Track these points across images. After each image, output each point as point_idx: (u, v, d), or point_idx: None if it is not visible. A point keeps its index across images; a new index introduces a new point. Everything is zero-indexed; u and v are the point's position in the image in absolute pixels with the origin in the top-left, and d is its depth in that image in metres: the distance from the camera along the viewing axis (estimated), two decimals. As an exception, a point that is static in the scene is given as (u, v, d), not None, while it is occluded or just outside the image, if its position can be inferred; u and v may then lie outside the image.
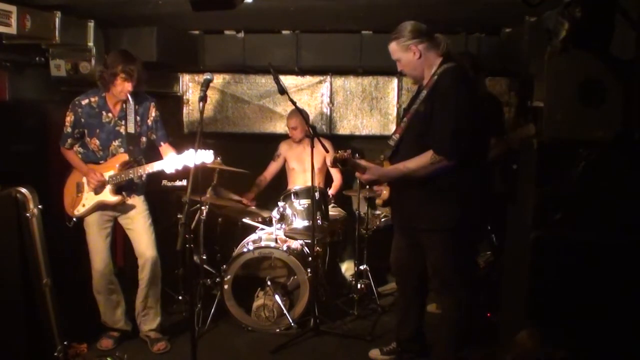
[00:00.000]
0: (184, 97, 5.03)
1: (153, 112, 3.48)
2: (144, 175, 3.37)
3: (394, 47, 2.83)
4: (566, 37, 2.35)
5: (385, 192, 3.02)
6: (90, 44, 3.88)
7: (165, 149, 3.52)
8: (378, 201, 3.08)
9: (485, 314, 3.61)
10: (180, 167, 3.24)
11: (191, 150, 3.09)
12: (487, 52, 4.21)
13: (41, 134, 3.99)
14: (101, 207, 3.40)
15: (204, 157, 3.19)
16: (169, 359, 3.38)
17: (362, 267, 4.25)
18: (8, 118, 3.70)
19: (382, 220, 4.43)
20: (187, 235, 2.52)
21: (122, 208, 3.46)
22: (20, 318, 2.81)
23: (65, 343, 2.99)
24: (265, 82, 4.89)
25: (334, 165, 2.92)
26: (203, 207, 3.85)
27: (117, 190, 3.39)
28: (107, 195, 3.38)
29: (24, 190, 2.82)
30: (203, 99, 2.76)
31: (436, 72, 2.78)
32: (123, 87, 3.26)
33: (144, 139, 3.48)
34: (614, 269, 2.38)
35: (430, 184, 2.74)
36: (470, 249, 3.04)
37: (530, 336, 1.89)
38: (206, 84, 2.81)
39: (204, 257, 4.00)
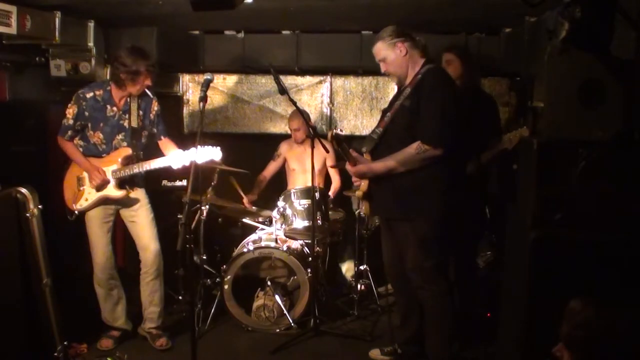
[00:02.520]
0: (184, 97, 5.04)
1: (155, 107, 3.50)
2: (144, 170, 3.37)
3: (379, 46, 2.93)
4: (566, 37, 2.35)
5: (363, 184, 3.03)
6: (90, 44, 3.89)
7: (166, 143, 3.54)
8: (358, 193, 3.09)
9: (485, 314, 3.61)
10: (187, 163, 3.26)
11: (198, 148, 3.10)
12: (487, 52, 4.21)
13: (41, 134, 4.00)
14: (104, 201, 3.40)
15: (212, 154, 3.25)
16: (169, 359, 3.39)
17: (362, 268, 4.25)
18: (8, 118, 3.70)
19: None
20: (187, 236, 2.52)
21: (126, 201, 3.45)
22: (20, 318, 2.80)
23: (65, 343, 2.99)
24: (265, 82, 4.89)
25: (331, 139, 2.94)
26: (203, 207, 3.85)
27: (121, 184, 3.39)
28: (112, 190, 3.38)
29: (24, 190, 2.82)
30: (203, 99, 2.77)
31: (420, 72, 2.87)
32: (143, 84, 3.30)
33: (145, 133, 3.49)
34: (614, 269, 2.38)
35: (410, 177, 2.81)
36: (446, 244, 3.02)
37: (585, 305, 1.86)
38: (206, 84, 2.82)
39: (204, 257, 4.01)
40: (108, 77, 3.42)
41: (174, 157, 3.33)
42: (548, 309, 2.43)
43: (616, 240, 2.38)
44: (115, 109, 3.38)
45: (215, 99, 4.92)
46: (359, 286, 4.15)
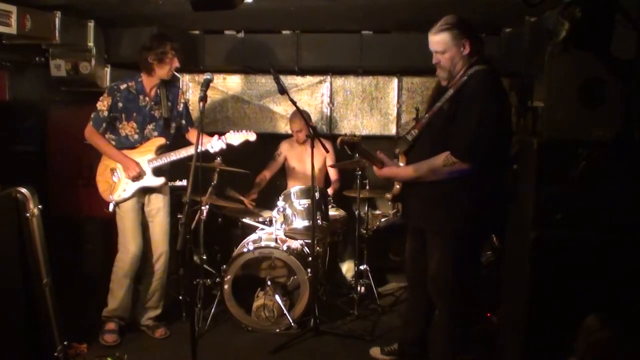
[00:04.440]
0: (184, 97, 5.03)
1: (182, 99, 3.63)
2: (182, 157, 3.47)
3: (446, 37, 2.69)
4: (566, 37, 2.35)
5: (397, 186, 2.95)
6: (90, 44, 3.90)
7: (195, 133, 3.62)
8: (388, 195, 3.03)
9: (485, 314, 3.61)
10: (224, 146, 3.47)
11: (232, 132, 3.48)
12: (487, 52, 4.21)
13: (41, 134, 4.00)
14: (142, 190, 3.49)
15: (247, 135, 3.50)
16: (170, 358, 3.38)
17: (362, 267, 4.25)
18: (8, 118, 3.71)
19: (382, 220, 4.43)
20: (187, 236, 2.52)
21: (155, 195, 3.56)
22: (20, 318, 2.80)
23: (65, 343, 2.99)
24: (265, 82, 4.88)
25: (340, 146, 2.81)
26: (203, 207, 3.85)
27: (158, 172, 3.49)
28: (150, 178, 3.47)
29: (24, 190, 2.82)
30: (203, 99, 2.79)
31: (466, 73, 2.69)
32: (172, 65, 3.39)
33: (173, 124, 3.58)
34: (614, 269, 2.38)
35: (441, 185, 2.69)
36: (476, 259, 2.95)
37: (603, 324, 1.81)
38: (206, 84, 2.82)
39: (204, 257, 4.00)
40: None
41: (210, 141, 3.48)
42: (548, 309, 2.44)
43: (616, 240, 2.38)
44: (147, 99, 3.46)
45: (215, 99, 4.92)
46: (359, 286, 4.15)
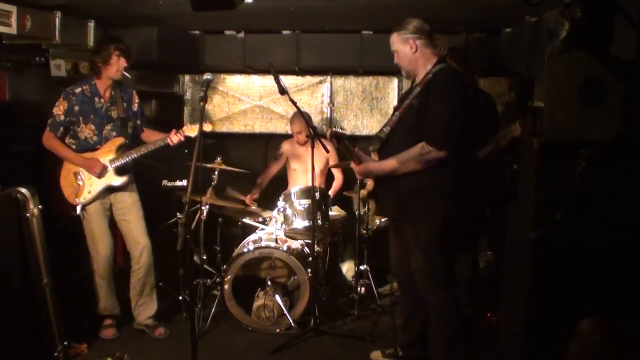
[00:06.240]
0: (185, 97, 5.04)
1: (136, 99, 3.66)
2: (143, 153, 3.49)
3: (394, 37, 2.90)
4: (566, 37, 2.35)
5: (370, 183, 3.02)
6: (91, 44, 3.90)
7: (149, 133, 3.69)
8: (363, 192, 3.09)
9: (485, 314, 3.61)
10: (183, 139, 3.46)
11: (188, 125, 3.49)
12: (487, 52, 4.21)
13: (41, 134, 3.98)
14: (107, 190, 3.50)
15: (204, 127, 3.40)
16: (170, 358, 3.38)
17: (362, 268, 4.25)
18: (8, 118, 3.71)
19: (382, 220, 4.42)
20: (187, 236, 2.52)
21: (122, 195, 3.56)
22: (20, 318, 2.80)
23: (65, 343, 2.99)
24: (265, 82, 4.89)
25: (330, 137, 2.95)
26: (203, 207, 3.85)
27: (120, 171, 3.50)
28: (114, 178, 3.48)
29: (24, 190, 2.82)
30: (203, 99, 2.78)
31: (431, 71, 2.83)
32: (119, 64, 3.40)
33: (130, 124, 3.60)
34: (614, 269, 2.38)
35: (415, 176, 2.76)
36: (453, 247, 3.02)
37: (596, 328, 1.81)
38: (206, 84, 2.82)
39: (204, 257, 4.01)
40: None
41: (169, 137, 3.48)
42: (548, 309, 2.44)
43: (616, 240, 2.38)
44: (102, 100, 3.48)
45: (215, 99, 4.92)
46: (359, 286, 4.14)
